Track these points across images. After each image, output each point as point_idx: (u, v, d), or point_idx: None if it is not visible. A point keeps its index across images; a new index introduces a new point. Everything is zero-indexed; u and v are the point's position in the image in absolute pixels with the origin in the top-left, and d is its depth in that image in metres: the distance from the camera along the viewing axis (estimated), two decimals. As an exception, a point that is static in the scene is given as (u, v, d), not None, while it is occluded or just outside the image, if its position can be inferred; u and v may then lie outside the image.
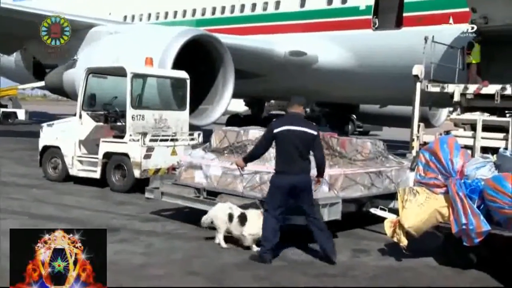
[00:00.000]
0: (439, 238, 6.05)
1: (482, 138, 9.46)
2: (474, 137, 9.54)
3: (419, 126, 10.29)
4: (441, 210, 5.73)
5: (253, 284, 5.04)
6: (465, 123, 10.09)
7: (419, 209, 5.80)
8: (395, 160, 8.06)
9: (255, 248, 6.06)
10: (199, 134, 10.58)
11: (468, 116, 9.97)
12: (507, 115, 9.62)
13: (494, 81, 9.96)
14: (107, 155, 9.93)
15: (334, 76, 16.04)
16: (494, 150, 6.93)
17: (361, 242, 6.75)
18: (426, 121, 16.29)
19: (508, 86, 9.42)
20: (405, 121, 14.50)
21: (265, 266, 5.56)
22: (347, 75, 15.80)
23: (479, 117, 9.61)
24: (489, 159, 5.97)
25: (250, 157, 6.14)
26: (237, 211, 6.26)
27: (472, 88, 9.92)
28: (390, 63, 14.39)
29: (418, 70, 10.21)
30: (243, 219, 6.16)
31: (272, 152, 6.84)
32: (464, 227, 5.39)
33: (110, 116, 10.60)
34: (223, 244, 6.20)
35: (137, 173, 9.50)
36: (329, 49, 15.95)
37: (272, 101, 26.45)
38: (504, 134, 9.22)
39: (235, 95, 15.19)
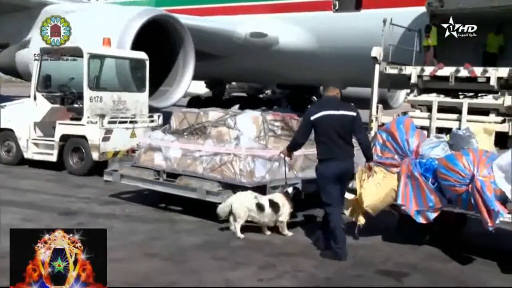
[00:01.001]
0: (395, 216, 6.21)
1: (438, 119, 9.66)
2: (430, 118, 9.73)
3: (377, 107, 10.41)
4: (397, 189, 5.86)
5: (213, 263, 5.06)
6: (421, 105, 10.27)
7: (376, 189, 5.92)
8: (354, 141, 8.16)
9: (290, 234, 6.06)
10: (159, 116, 10.46)
11: (424, 97, 10.15)
12: (461, 96, 9.85)
13: (448, 63, 10.18)
14: (64, 138, 9.72)
15: (294, 57, 16.08)
16: (448, 130, 7.09)
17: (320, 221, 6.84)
18: (385, 103, 16.59)
19: (461, 68, 9.63)
20: (364, 103, 14.69)
21: (225, 246, 5.60)
22: (307, 57, 15.86)
23: (435, 99, 9.81)
24: (442, 139, 6.13)
25: (293, 146, 5.90)
26: (264, 199, 6.09)
27: (428, 70, 10.08)
28: (349, 45, 14.49)
29: (376, 52, 10.27)
30: (276, 206, 6.03)
31: (232, 133, 6.88)
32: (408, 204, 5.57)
33: (67, 98, 10.36)
34: (240, 234, 5.96)
35: (95, 155, 9.34)
36: (289, 31, 15.97)
37: (234, 83, 26.32)
38: (458, 115, 9.47)
39: (196, 77, 15.05)
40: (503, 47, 11.64)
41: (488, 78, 9.33)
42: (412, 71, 10.32)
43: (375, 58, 10.32)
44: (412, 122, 6.33)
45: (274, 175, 6.64)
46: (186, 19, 14.63)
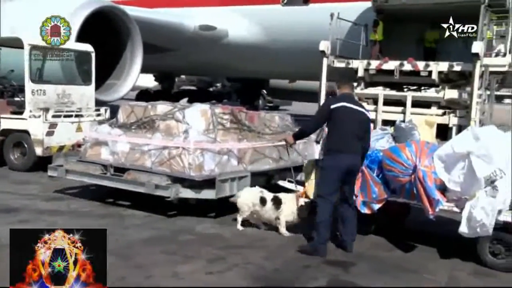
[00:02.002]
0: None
1: (383, 111, 9.95)
2: (376, 110, 10.00)
3: (325, 100, 10.59)
4: (343, 180, 5.98)
5: (162, 258, 5.02)
6: (368, 97, 10.54)
7: (323, 180, 6.01)
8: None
9: (287, 233, 5.92)
10: (106, 110, 10.23)
11: (370, 90, 10.41)
12: (405, 89, 10.15)
13: (393, 57, 10.46)
14: (4, 132, 9.36)
15: (244, 51, 16.11)
16: (393, 123, 7.30)
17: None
18: (333, 96, 16.81)
19: (405, 62, 9.92)
20: (313, 96, 14.93)
21: (174, 240, 5.56)
22: (256, 50, 15.91)
23: (381, 92, 10.08)
24: (387, 131, 6.31)
25: (301, 134, 5.80)
26: (269, 195, 6.07)
27: (374, 64, 10.34)
28: (298, 39, 14.64)
29: (324, 46, 10.45)
30: (278, 203, 5.97)
31: (181, 127, 6.81)
32: (362, 195, 5.70)
33: (7, 91, 9.96)
34: (239, 227, 6.06)
35: (39, 150, 9.04)
36: (239, 24, 15.97)
37: (183, 76, 26.09)
38: (402, 108, 9.77)
39: (145, 70, 14.83)
40: (438, 42, 12.08)
41: (430, 72, 9.67)
42: (358, 64, 10.57)
43: (323, 51, 10.49)
44: (358, 115, 6.44)
45: (223, 168, 6.63)
46: (133, 11, 14.36)
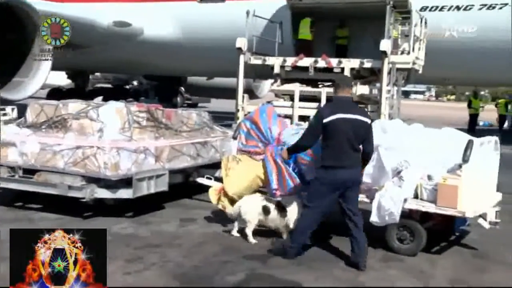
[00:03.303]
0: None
1: (300, 107, 10.21)
2: (292, 106, 10.24)
3: (243, 97, 10.71)
4: (261, 176, 6.08)
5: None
6: (284, 94, 10.78)
7: (241, 176, 6.09)
8: (220, 130, 8.35)
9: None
10: (13, 109, 9.72)
11: (287, 87, 10.65)
12: (320, 85, 10.48)
13: (316, 54, 10.77)
14: None
15: (160, 48, 15.89)
16: (309, 118, 7.52)
17: (189, 212, 6.88)
18: (251, 92, 17.03)
19: (319, 59, 10.25)
20: (231, 93, 15.00)
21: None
22: (173, 48, 15.75)
23: (296, 88, 10.33)
24: (301, 126, 6.48)
25: (294, 149, 5.45)
26: (271, 203, 5.71)
27: (289, 61, 10.59)
28: (215, 36, 14.66)
29: (241, 43, 10.56)
30: (283, 210, 5.63)
31: (95, 126, 6.61)
32: (275, 190, 5.83)
33: None
34: (252, 240, 5.61)
35: None
36: (155, 20, 15.72)
37: (98, 74, 25.26)
38: (318, 103, 10.07)
39: (56, 67, 14.20)
40: (349, 39, 12.62)
41: (343, 69, 10.06)
42: (275, 61, 10.78)
43: (239, 48, 10.59)
44: (274, 111, 6.58)
45: (140, 167, 6.52)
46: (42, 5, 13.70)
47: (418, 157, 5.34)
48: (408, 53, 9.98)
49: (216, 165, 7.37)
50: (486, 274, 5.09)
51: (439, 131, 5.81)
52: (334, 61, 10.16)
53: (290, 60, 10.60)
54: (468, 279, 4.89)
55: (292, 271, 4.85)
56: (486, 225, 5.59)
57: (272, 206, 5.67)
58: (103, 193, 6.23)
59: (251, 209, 5.68)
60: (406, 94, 53.93)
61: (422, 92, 74.76)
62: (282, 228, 5.69)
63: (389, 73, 9.51)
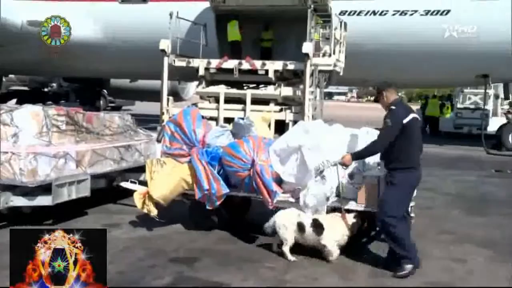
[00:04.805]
0: (186, 204, 6.39)
1: (225, 109, 10.22)
2: (217, 108, 10.23)
3: (168, 99, 10.57)
4: (186, 178, 6.05)
5: None
6: (210, 96, 10.75)
7: (166, 179, 6.03)
8: (144, 134, 8.21)
9: (335, 257, 5.20)
10: None
11: (212, 89, 10.62)
12: (245, 87, 10.54)
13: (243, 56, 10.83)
14: None
15: (81, 50, 15.32)
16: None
17: (113, 217, 6.72)
18: (176, 95, 16.89)
19: (243, 61, 10.32)
20: (156, 95, 14.77)
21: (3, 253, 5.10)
22: (95, 49, 15.27)
23: (221, 90, 10.33)
24: (226, 128, 6.51)
25: (364, 154, 5.18)
26: (307, 218, 5.29)
27: (214, 62, 10.57)
28: (138, 38, 14.39)
29: (164, 44, 10.41)
30: (320, 227, 5.19)
31: (9, 131, 6.27)
32: (206, 192, 5.82)
33: None
34: (290, 257, 5.21)
35: None
36: (75, 21, 15.14)
37: (12, 76, 23.94)
38: (243, 105, 10.13)
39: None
40: (273, 42, 12.83)
41: (267, 71, 10.18)
42: (199, 63, 10.72)
43: (163, 50, 10.44)
44: (198, 113, 6.57)
45: (60, 172, 6.29)
46: None
47: (339, 157, 5.51)
48: (330, 55, 10.26)
49: (141, 169, 7.24)
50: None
51: (358, 131, 6.02)
52: (258, 63, 10.26)
53: (214, 62, 10.59)
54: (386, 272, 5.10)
55: (220, 272, 4.85)
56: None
57: (308, 223, 5.25)
58: (19, 201, 5.97)
59: (287, 227, 5.26)
60: (329, 96, 55.47)
61: (345, 93, 77.21)
62: (320, 246, 5.25)
63: (311, 75, 9.73)
